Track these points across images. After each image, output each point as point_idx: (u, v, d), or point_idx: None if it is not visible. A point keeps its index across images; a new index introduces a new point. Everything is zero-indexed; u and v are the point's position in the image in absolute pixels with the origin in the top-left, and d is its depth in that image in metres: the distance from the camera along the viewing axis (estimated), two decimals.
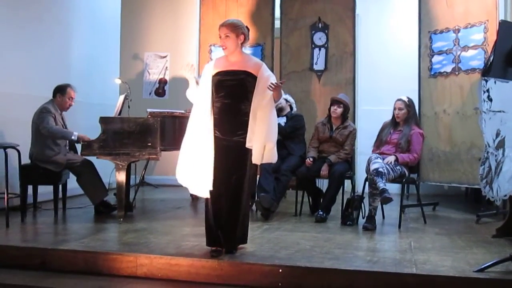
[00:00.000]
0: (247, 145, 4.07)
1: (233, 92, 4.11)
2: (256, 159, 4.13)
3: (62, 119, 6.01)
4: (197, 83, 4.26)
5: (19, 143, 5.41)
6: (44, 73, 6.80)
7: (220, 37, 4.17)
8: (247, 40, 4.26)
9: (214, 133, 4.13)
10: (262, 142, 4.08)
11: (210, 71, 4.23)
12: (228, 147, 4.09)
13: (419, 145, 5.62)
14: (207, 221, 4.18)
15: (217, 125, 4.13)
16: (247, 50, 7.50)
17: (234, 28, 4.15)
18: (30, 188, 5.91)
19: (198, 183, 4.14)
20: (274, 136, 4.17)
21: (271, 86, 4.03)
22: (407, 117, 5.69)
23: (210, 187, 4.08)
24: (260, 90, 4.09)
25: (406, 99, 5.72)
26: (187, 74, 4.20)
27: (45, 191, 6.09)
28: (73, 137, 5.69)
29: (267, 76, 4.13)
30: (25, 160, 5.69)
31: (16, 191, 5.80)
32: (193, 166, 4.13)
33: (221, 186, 4.08)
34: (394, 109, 5.74)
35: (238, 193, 4.11)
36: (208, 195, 4.13)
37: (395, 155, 5.48)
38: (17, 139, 5.57)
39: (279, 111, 6.28)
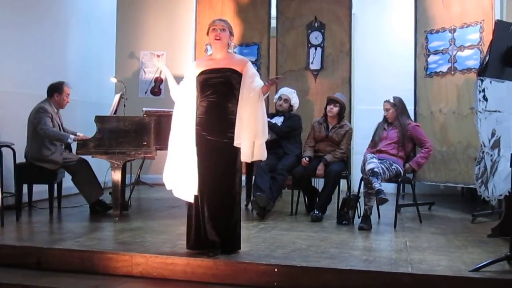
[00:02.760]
0: (235, 143, 4.03)
1: (219, 90, 4.08)
2: (245, 156, 4.08)
3: (59, 118, 5.99)
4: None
5: (14, 141, 5.39)
6: (40, 71, 6.78)
7: (214, 29, 4.15)
8: (232, 44, 4.30)
9: (200, 133, 4.08)
10: (251, 139, 4.05)
11: (192, 72, 4.23)
12: (216, 148, 4.04)
13: (423, 135, 5.75)
14: (190, 224, 4.13)
15: (204, 124, 4.08)
16: (243, 48, 7.51)
17: (229, 26, 4.22)
18: (25, 187, 5.88)
19: (183, 187, 4.12)
20: (263, 132, 4.12)
21: (269, 82, 4.08)
22: (396, 115, 5.75)
23: (195, 191, 4.05)
24: (245, 87, 4.09)
25: (391, 100, 5.78)
26: (159, 64, 4.62)
27: (40, 190, 6.07)
28: (69, 140, 5.67)
29: (252, 74, 4.14)
30: (20, 159, 5.67)
31: (11, 190, 5.77)
32: (179, 169, 4.11)
33: (211, 187, 4.02)
34: (384, 110, 5.84)
35: (231, 194, 4.07)
36: (192, 199, 4.08)
37: (410, 165, 5.59)
38: (12, 137, 5.55)
39: (278, 110, 6.32)
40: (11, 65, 6.33)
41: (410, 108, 6.24)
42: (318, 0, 7.51)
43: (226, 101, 4.09)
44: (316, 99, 7.32)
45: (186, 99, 4.21)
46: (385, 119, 5.85)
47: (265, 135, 4.15)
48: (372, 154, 5.50)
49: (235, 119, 4.06)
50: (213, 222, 4.01)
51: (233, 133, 4.03)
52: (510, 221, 4.67)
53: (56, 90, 5.95)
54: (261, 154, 4.15)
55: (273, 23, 7.72)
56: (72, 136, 5.66)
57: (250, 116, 4.07)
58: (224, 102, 4.09)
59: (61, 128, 5.94)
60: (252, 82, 4.11)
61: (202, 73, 4.16)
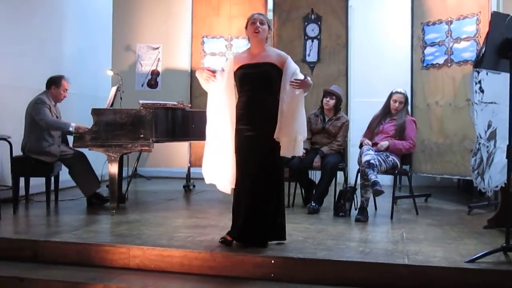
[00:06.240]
0: (275, 137, 4.04)
1: (258, 84, 4.09)
2: (286, 152, 4.09)
3: (56, 110, 5.98)
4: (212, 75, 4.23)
5: (10, 134, 5.38)
6: (36, 64, 6.75)
7: (253, 23, 4.13)
8: (269, 38, 4.31)
9: (239, 127, 4.09)
10: (293, 135, 4.05)
11: (231, 67, 4.20)
12: (256, 142, 4.04)
13: (414, 132, 5.69)
14: (234, 213, 4.19)
15: (243, 119, 4.09)
16: (240, 40, 7.52)
17: (268, 20, 4.22)
18: (22, 180, 5.88)
19: (222, 180, 4.16)
20: (304, 129, 4.17)
21: (294, 84, 4.03)
22: (402, 108, 5.74)
23: (232, 184, 4.11)
24: (286, 83, 4.07)
25: (404, 92, 5.77)
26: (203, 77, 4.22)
27: (37, 183, 6.06)
28: (70, 129, 5.64)
29: (294, 69, 4.14)
30: (17, 152, 5.66)
31: (8, 183, 5.77)
32: (219, 164, 4.14)
33: (252, 179, 4.04)
34: (394, 101, 5.75)
35: (271, 185, 4.09)
36: (229, 192, 4.17)
37: (388, 141, 5.51)
38: (8, 131, 5.54)
39: None
40: (5, 58, 6.29)
41: None
42: None
43: (265, 95, 4.10)
44: (312, 92, 7.29)
45: (222, 93, 4.18)
46: (385, 110, 5.82)
47: (306, 131, 4.21)
48: (369, 146, 5.50)
49: (274, 112, 4.06)
50: (251, 212, 4.05)
51: (272, 126, 4.03)
52: (506, 213, 4.67)
53: (54, 83, 5.93)
54: (300, 149, 4.18)
55: (270, 15, 7.70)
56: (73, 124, 5.61)
57: (294, 111, 4.08)
58: (263, 96, 4.09)
59: None
60: (297, 77, 4.11)
61: (240, 68, 4.15)
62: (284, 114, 4.05)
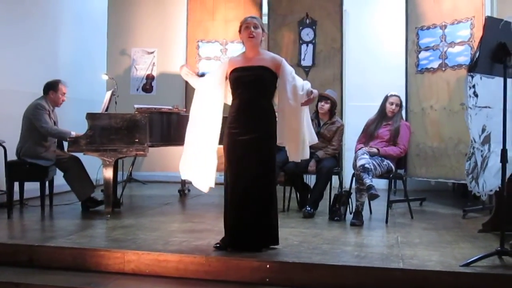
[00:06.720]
0: (278, 142, 4.09)
1: (251, 88, 4.09)
2: (295, 156, 4.18)
3: (54, 115, 5.97)
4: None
5: (4, 139, 5.36)
6: (31, 68, 6.74)
7: (247, 27, 4.13)
8: (263, 41, 4.33)
9: (231, 130, 4.09)
10: (300, 139, 4.13)
11: (224, 69, 4.23)
12: (247, 144, 4.03)
13: (406, 137, 5.69)
14: (226, 219, 4.16)
15: (236, 121, 4.08)
16: (235, 44, 7.53)
17: (262, 24, 4.22)
18: (16, 185, 5.86)
19: (202, 178, 4.20)
20: (313, 132, 4.26)
21: (305, 104, 4.14)
22: (397, 112, 5.76)
23: (211, 183, 4.17)
24: (289, 84, 4.11)
25: (397, 94, 5.79)
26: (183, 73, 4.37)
27: (32, 187, 6.04)
28: (71, 136, 5.65)
29: (291, 71, 4.17)
30: (11, 156, 5.64)
31: (2, 188, 5.75)
32: (198, 162, 4.18)
33: (244, 183, 4.03)
34: (391, 103, 5.76)
35: (266, 190, 4.07)
36: (206, 191, 4.22)
37: (377, 148, 5.53)
38: (3, 135, 5.52)
39: None
40: (0, 62, 6.28)
41: None
42: None
43: (259, 99, 4.10)
44: None
45: (210, 91, 4.22)
46: (381, 114, 5.82)
47: (314, 134, 4.32)
48: (364, 150, 5.51)
49: (268, 116, 4.09)
50: (242, 217, 4.04)
51: (265, 129, 4.06)
52: (500, 216, 4.70)
53: (51, 87, 5.92)
54: (308, 152, 4.26)
55: (265, 20, 7.73)
56: (73, 133, 5.63)
57: (300, 115, 4.13)
58: (256, 99, 4.09)
59: (56, 126, 5.92)
60: (295, 80, 4.16)
61: (234, 70, 4.16)
62: (287, 118, 4.10)
